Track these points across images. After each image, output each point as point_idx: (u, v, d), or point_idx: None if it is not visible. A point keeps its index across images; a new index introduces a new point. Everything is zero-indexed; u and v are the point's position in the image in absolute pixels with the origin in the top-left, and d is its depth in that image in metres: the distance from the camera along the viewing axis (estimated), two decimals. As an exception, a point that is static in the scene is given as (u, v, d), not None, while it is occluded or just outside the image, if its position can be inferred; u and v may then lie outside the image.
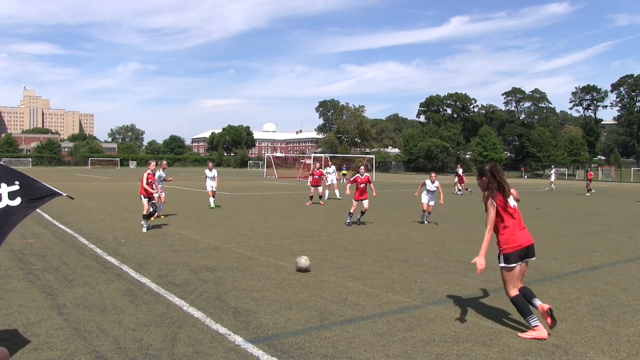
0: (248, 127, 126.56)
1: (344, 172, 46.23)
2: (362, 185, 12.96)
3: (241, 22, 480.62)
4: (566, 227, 13.40)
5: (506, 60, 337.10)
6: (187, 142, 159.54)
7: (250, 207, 17.28)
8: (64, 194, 3.99)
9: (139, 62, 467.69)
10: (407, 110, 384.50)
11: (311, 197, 19.77)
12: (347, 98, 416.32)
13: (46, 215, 13.20)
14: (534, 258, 5.23)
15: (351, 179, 13.21)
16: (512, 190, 5.30)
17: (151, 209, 11.63)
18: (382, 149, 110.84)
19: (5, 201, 3.63)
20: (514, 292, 4.93)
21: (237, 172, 75.67)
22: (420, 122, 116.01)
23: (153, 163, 12.32)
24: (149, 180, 11.69)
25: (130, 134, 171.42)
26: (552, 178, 36.43)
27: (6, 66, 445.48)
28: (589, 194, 31.11)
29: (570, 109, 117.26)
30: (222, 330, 4.77)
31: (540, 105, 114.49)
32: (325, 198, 22.19)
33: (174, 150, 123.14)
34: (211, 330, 4.78)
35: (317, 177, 19.97)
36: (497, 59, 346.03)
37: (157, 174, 13.40)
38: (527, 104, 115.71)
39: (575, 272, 7.67)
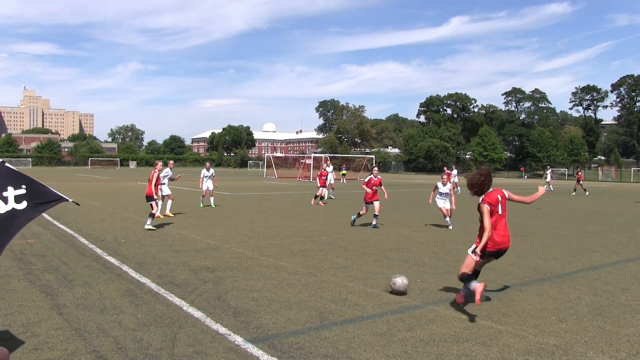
0: (248, 127, 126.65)
1: (344, 172, 46.22)
2: (374, 188, 12.67)
3: (241, 22, 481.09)
4: (566, 227, 13.40)
5: (506, 60, 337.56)
6: (187, 142, 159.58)
7: (250, 207, 17.29)
8: (70, 200, 4.00)
9: (139, 62, 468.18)
10: (407, 110, 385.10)
11: (320, 197, 19.71)
12: (347, 98, 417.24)
13: (46, 215, 13.20)
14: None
15: (365, 181, 12.80)
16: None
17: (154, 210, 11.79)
18: (382, 149, 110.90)
19: (12, 204, 3.67)
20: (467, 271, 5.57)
21: (237, 172, 75.69)
22: (420, 122, 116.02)
23: (160, 163, 12.49)
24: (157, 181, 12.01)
25: (130, 134, 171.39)
26: (548, 178, 36.42)
27: (6, 66, 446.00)
28: (574, 193, 31.39)
29: (570, 109, 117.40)
30: (222, 330, 4.77)
31: (540, 105, 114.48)
32: (326, 198, 22.22)
33: (174, 150, 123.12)
34: (211, 330, 4.78)
35: (324, 177, 20.08)
36: (497, 59, 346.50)
37: (163, 173, 13.96)
38: (527, 104, 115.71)
39: (575, 272, 7.67)
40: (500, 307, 5.73)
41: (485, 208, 5.50)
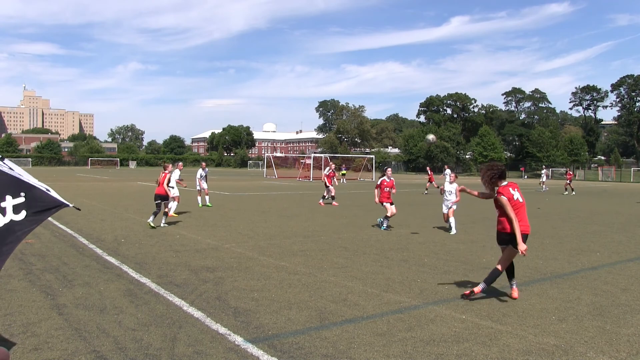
0: (248, 127, 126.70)
1: (344, 172, 46.20)
2: (386, 189, 12.29)
3: (242, 22, 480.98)
4: (566, 227, 13.40)
5: (506, 60, 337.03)
6: (187, 142, 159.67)
7: (250, 207, 17.29)
8: (71, 205, 3.87)
9: (140, 62, 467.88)
10: (407, 110, 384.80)
11: (333, 197, 19.77)
12: (347, 98, 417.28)
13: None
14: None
15: (378, 183, 12.44)
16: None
17: (157, 210, 11.94)
18: (382, 149, 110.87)
19: (10, 216, 3.44)
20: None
21: (237, 172, 75.68)
22: (420, 122, 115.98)
23: (170, 165, 12.66)
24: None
25: (130, 134, 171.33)
26: (543, 178, 36.38)
27: (6, 66, 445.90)
28: (566, 192, 31.59)
29: (570, 109, 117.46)
30: (222, 330, 4.77)
31: (540, 105, 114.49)
32: (327, 198, 22.24)
33: (174, 150, 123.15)
34: (211, 330, 4.78)
35: (331, 177, 20.25)
36: (497, 59, 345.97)
37: (174, 175, 14.16)
38: (527, 104, 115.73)
39: (575, 272, 7.67)
40: (500, 307, 5.73)
41: (504, 199, 5.87)
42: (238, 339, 4.54)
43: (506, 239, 5.97)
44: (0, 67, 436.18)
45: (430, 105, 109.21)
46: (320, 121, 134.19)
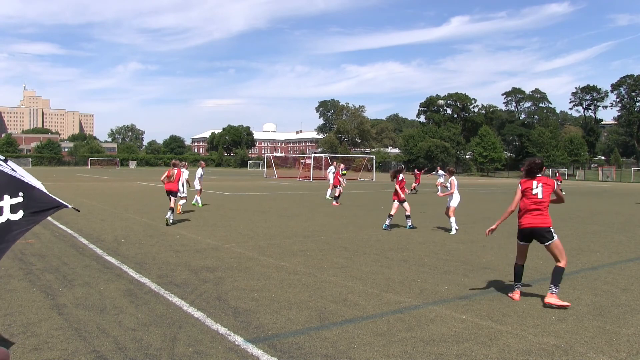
0: (248, 127, 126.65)
1: (344, 172, 46.14)
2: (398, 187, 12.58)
3: (242, 22, 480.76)
4: (566, 227, 13.39)
5: (506, 60, 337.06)
6: (187, 142, 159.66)
7: (250, 207, 17.29)
8: (70, 206, 3.88)
9: (140, 62, 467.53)
10: (407, 110, 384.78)
11: (337, 197, 19.78)
12: (348, 98, 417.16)
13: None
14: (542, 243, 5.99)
15: (399, 181, 12.58)
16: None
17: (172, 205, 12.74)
18: (382, 149, 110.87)
19: (7, 215, 3.42)
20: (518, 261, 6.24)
21: (237, 172, 75.69)
22: (420, 122, 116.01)
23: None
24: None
25: (130, 134, 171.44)
26: None
27: (6, 66, 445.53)
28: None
29: (570, 109, 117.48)
30: (222, 330, 4.78)
31: (540, 105, 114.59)
32: (327, 197, 22.33)
33: (174, 150, 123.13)
34: (211, 330, 4.78)
35: (339, 177, 20.34)
36: (497, 59, 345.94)
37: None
38: (527, 104, 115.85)
39: (575, 272, 7.66)
40: (500, 307, 5.73)
41: (518, 187, 6.14)
42: (238, 339, 4.54)
43: (525, 233, 6.02)
44: (0, 67, 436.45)
45: (430, 105, 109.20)
46: (320, 121, 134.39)
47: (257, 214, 15.24)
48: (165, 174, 12.96)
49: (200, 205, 16.96)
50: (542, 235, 5.90)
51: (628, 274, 7.58)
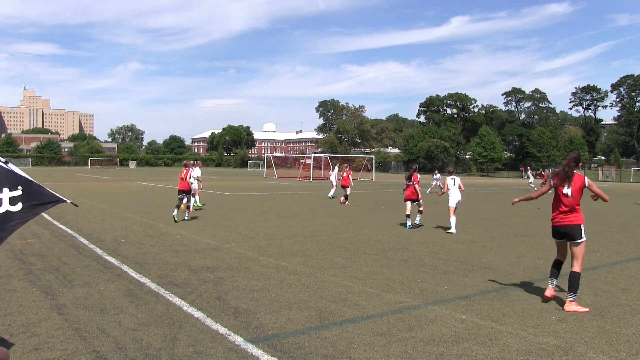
0: (248, 127, 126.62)
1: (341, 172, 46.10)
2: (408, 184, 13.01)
3: (242, 22, 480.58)
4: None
5: (507, 60, 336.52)
6: (187, 142, 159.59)
7: (250, 207, 17.29)
8: (68, 201, 3.94)
9: (140, 62, 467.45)
10: (407, 110, 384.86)
11: (346, 197, 19.90)
12: (347, 98, 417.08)
13: (46, 215, 13.20)
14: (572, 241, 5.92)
15: (418, 180, 12.80)
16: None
17: (179, 203, 13.24)
18: (382, 149, 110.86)
19: (6, 206, 3.57)
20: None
21: (237, 172, 75.69)
22: (420, 122, 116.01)
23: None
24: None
25: (130, 134, 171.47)
26: (531, 179, 36.23)
27: (6, 66, 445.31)
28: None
29: (570, 109, 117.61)
30: (222, 330, 4.78)
31: (540, 105, 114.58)
32: (329, 196, 22.39)
33: (174, 150, 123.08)
34: (211, 330, 4.78)
35: (347, 177, 20.39)
36: (497, 59, 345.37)
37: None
38: (527, 104, 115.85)
39: (575, 272, 7.65)
40: (500, 307, 5.73)
41: (549, 181, 6.20)
42: (238, 339, 4.54)
43: (561, 232, 5.97)
44: (0, 67, 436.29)
45: (430, 105, 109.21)
46: (320, 121, 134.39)
47: (257, 214, 15.25)
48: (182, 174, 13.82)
49: (199, 204, 16.95)
50: (569, 233, 5.88)
51: (628, 274, 7.59)
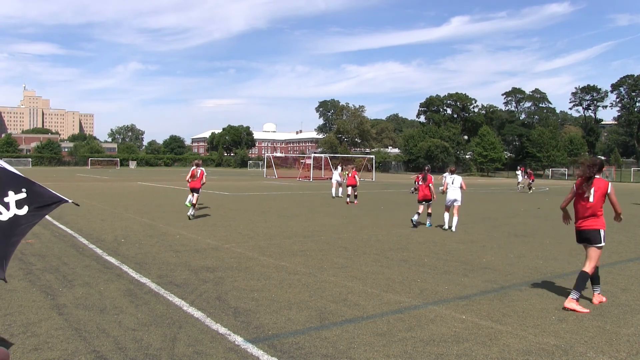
0: (248, 127, 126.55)
1: (346, 172, 46.10)
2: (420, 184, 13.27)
3: (242, 22, 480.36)
4: (566, 227, 13.35)
5: (507, 60, 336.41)
6: (187, 142, 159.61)
7: (250, 207, 17.29)
8: (70, 201, 3.95)
9: (140, 62, 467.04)
10: (407, 110, 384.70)
11: (349, 196, 20.29)
12: (348, 98, 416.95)
13: (46, 215, 13.19)
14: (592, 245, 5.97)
15: (431, 181, 13.12)
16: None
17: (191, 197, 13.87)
18: (382, 149, 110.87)
19: (13, 210, 3.57)
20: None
21: (237, 172, 75.69)
22: (420, 122, 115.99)
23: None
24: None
25: (130, 134, 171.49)
26: (519, 179, 36.33)
27: (6, 66, 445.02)
28: (530, 191, 32.99)
29: (570, 109, 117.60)
30: (222, 330, 4.78)
31: (540, 105, 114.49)
32: (333, 195, 22.41)
33: (174, 150, 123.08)
34: (211, 330, 4.78)
35: (353, 177, 20.46)
36: (497, 59, 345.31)
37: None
38: (527, 104, 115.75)
39: (575, 272, 7.61)
40: (500, 307, 5.73)
41: (573, 187, 6.17)
42: (238, 339, 4.54)
43: (582, 236, 6.04)
44: (0, 67, 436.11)
45: (430, 105, 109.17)
46: (320, 121, 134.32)
47: (257, 214, 15.25)
48: (190, 173, 14.09)
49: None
50: (588, 238, 5.96)
51: (628, 274, 7.59)
